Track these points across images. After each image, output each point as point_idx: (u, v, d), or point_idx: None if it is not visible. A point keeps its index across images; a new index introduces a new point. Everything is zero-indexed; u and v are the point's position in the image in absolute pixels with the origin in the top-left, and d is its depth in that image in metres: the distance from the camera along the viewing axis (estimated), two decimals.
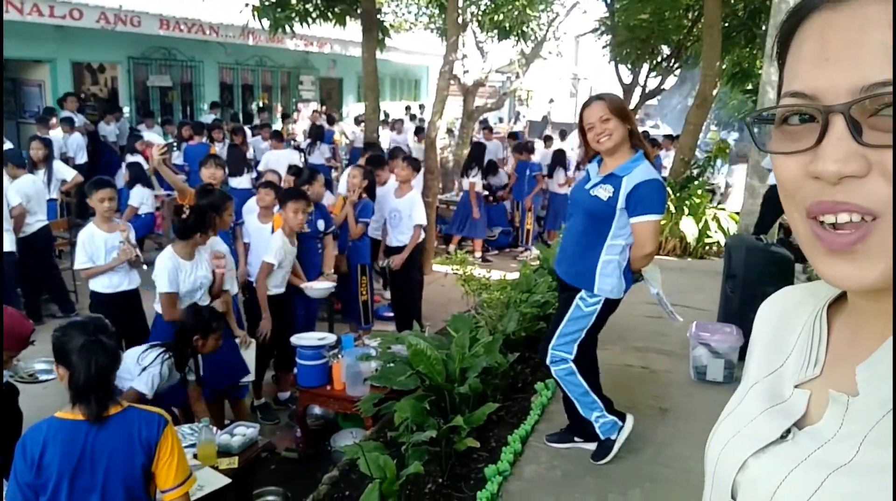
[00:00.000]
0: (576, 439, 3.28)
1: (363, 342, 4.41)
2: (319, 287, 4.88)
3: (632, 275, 2.95)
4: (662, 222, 8.59)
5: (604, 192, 2.79)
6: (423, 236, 5.97)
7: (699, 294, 5.91)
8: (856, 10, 0.51)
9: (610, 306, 2.97)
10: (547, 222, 10.39)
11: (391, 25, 14.48)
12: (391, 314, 6.51)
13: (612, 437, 3.12)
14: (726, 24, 9.04)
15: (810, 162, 0.53)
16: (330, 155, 12.17)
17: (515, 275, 8.46)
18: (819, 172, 0.52)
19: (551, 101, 25.57)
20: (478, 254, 9.24)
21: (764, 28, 8.93)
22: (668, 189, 8.81)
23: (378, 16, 10.65)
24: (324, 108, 17.67)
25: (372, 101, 9.81)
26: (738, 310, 4.20)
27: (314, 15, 10.38)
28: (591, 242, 2.85)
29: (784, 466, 0.59)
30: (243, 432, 3.26)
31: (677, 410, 3.70)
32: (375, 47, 9.67)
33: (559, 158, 10.07)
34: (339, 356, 4.13)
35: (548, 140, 12.64)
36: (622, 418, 3.16)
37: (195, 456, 3.00)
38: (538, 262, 6.09)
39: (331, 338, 4.31)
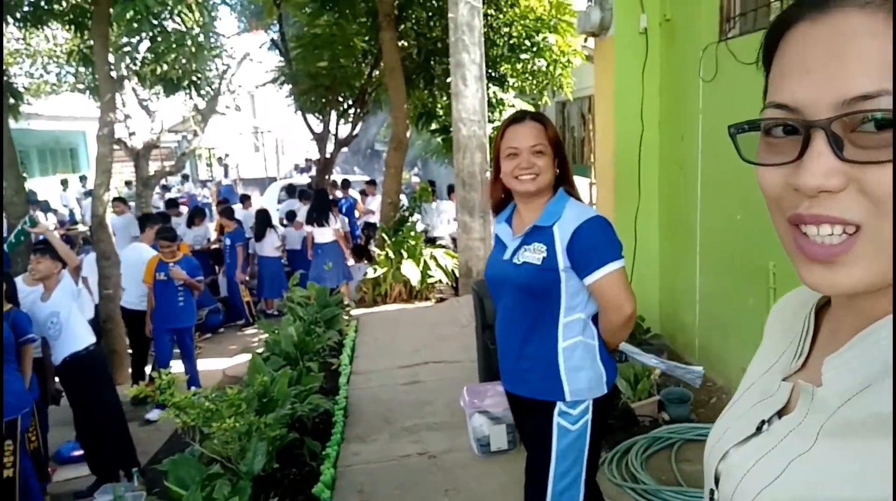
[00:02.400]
0: None
1: None
2: None
3: (611, 355, 2.06)
4: (384, 270, 8.25)
5: (534, 254, 1.94)
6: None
7: (446, 344, 5.55)
8: (837, 22, 0.51)
9: (603, 408, 2.03)
10: (263, 291, 9.38)
11: (26, 89, 12.07)
12: (80, 453, 4.92)
13: None
14: (405, 67, 9.13)
15: (791, 174, 0.54)
16: None
17: (238, 361, 7.35)
18: (799, 185, 0.53)
19: (234, 165, 24.15)
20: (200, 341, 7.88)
21: (442, 68, 9.23)
22: (385, 235, 8.56)
23: (3, 78, 8.60)
24: None
25: (12, 180, 7.79)
26: None
27: None
28: (539, 329, 1.98)
29: (755, 454, 0.61)
30: None
31: None
32: (6, 115, 7.72)
33: (265, 219, 9.21)
34: None
35: (245, 200, 11.62)
36: None
37: None
38: (263, 345, 5.16)
39: None
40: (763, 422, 0.63)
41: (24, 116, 10.62)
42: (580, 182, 10.06)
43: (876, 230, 0.51)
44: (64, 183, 17.43)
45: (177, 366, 7.61)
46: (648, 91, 4.58)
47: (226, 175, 22.63)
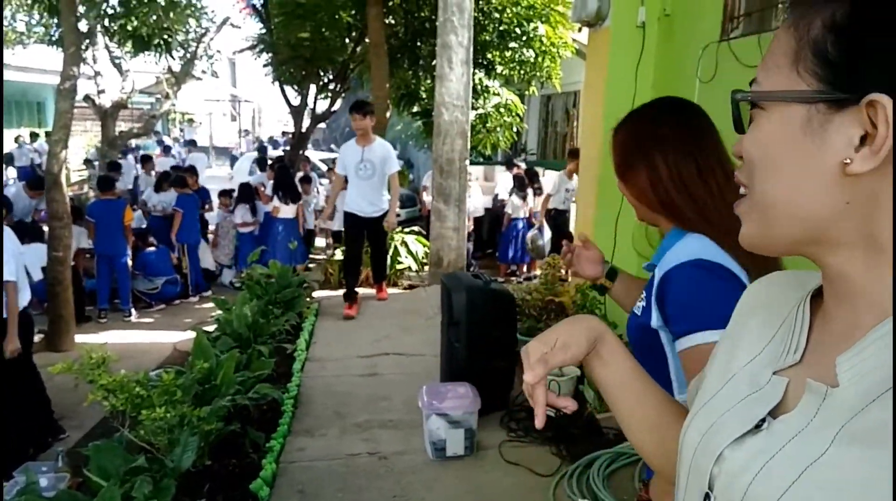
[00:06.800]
0: None
1: None
2: None
3: None
4: None
5: (639, 303, 1.43)
6: (19, 301, 4.26)
7: (409, 336, 5.32)
8: (778, 31, 0.60)
9: None
10: (240, 263, 9.05)
11: None
12: None
13: None
14: (390, 46, 8.82)
15: None
16: None
17: (191, 335, 7.04)
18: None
19: (202, 131, 23.47)
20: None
21: (428, 49, 8.95)
22: None
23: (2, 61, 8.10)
24: None
25: None
26: (467, 363, 3.61)
27: None
28: None
29: (759, 458, 0.57)
30: None
31: None
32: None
33: (245, 193, 8.91)
34: None
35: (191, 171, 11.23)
36: None
37: None
38: (215, 323, 4.88)
39: None
40: (762, 420, 0.60)
41: None
42: (556, 177, 9.87)
43: (752, 190, 0.61)
44: (33, 136, 16.76)
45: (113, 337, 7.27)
46: (641, 88, 4.37)
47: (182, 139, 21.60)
